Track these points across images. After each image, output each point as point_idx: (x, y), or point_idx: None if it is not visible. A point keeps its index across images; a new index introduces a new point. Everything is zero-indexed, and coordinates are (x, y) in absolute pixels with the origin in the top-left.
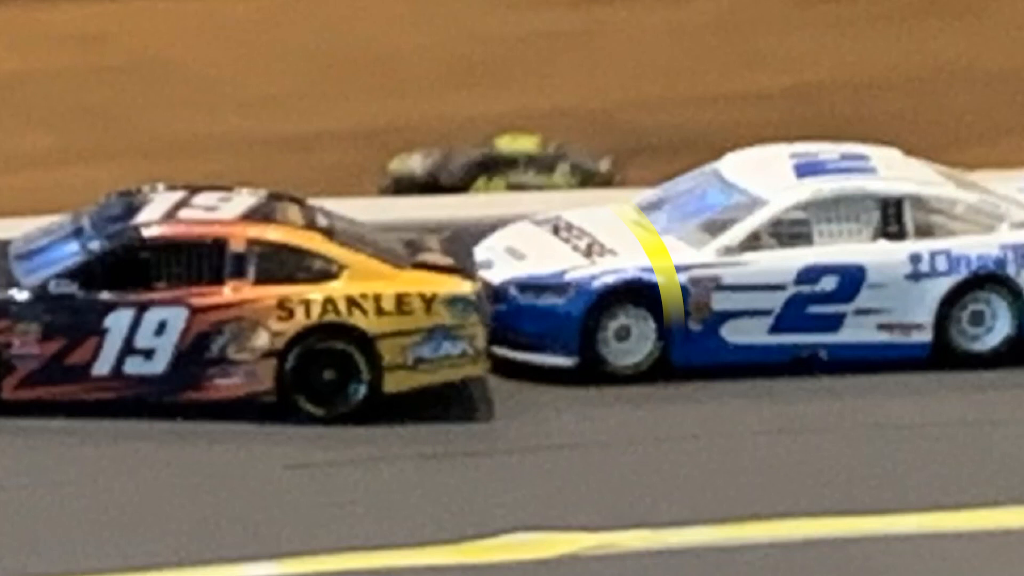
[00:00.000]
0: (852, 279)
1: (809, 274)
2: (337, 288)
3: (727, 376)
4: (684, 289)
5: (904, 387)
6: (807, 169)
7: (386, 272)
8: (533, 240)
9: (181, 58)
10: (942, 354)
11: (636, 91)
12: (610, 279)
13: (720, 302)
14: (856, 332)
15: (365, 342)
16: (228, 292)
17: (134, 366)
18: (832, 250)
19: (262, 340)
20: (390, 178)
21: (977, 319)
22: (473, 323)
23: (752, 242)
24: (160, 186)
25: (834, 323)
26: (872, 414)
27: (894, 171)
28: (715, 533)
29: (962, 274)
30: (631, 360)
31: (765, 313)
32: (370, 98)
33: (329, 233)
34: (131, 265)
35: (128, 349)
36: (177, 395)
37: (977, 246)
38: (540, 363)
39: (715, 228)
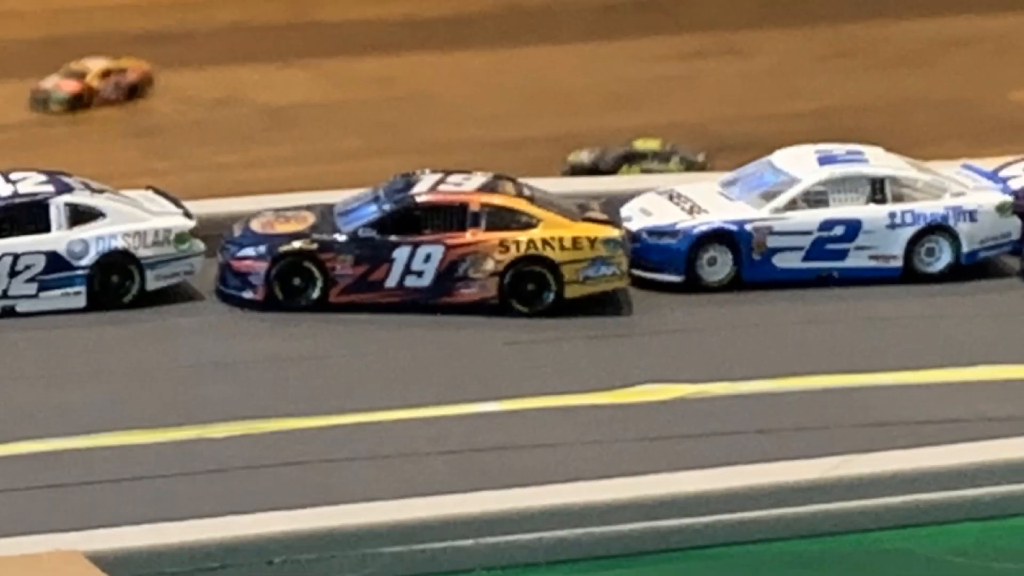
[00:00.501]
0: (853, 227)
1: (826, 224)
2: (536, 233)
3: (776, 288)
4: (749, 234)
5: (885, 294)
6: (825, 160)
7: (566, 223)
8: (656, 204)
9: (440, 91)
10: (908, 274)
11: (720, 112)
12: (704, 228)
13: (771, 242)
14: (856, 260)
15: (553, 267)
16: (469, 236)
17: (411, 281)
18: (841, 210)
19: (490, 265)
20: (568, 166)
21: (930, 252)
22: (620, 255)
23: (791, 205)
24: (427, 170)
25: (842, 255)
26: (865, 311)
27: (879, 161)
28: (769, 384)
29: (920, 225)
30: (717, 278)
31: (799, 249)
32: (556, 117)
33: (531, 199)
34: (409, 219)
35: (407, 271)
36: (437, 300)
37: (930, 207)
38: (660, 280)
39: (768, 196)
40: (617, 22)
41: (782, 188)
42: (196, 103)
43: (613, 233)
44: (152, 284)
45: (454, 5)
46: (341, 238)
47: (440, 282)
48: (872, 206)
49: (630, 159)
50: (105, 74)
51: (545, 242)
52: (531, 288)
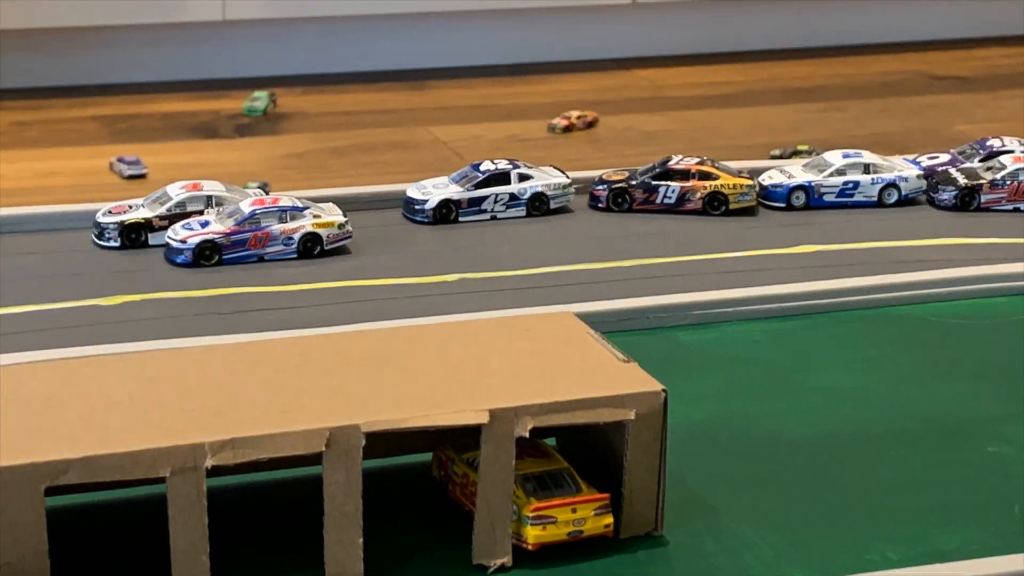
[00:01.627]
0: (855, 185)
1: (846, 183)
2: (718, 182)
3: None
4: (813, 187)
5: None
6: (846, 155)
7: (729, 178)
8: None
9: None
10: (879, 205)
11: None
12: (792, 182)
13: (822, 191)
14: (856, 199)
15: (725, 196)
16: (691, 183)
17: (665, 201)
18: (848, 177)
19: (699, 195)
20: (769, 156)
21: (889, 195)
22: (753, 192)
23: (829, 176)
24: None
25: (851, 195)
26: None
27: (864, 156)
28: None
29: (884, 183)
30: (799, 204)
31: (833, 192)
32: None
33: (713, 166)
34: (665, 175)
35: (664, 196)
36: (675, 210)
37: (887, 176)
38: (775, 206)
39: (819, 170)
40: None
41: (824, 167)
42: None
43: (751, 182)
44: (552, 206)
45: None
46: (636, 182)
47: (678, 202)
48: (865, 175)
49: (796, 154)
50: (579, 116)
51: (723, 186)
52: (716, 204)
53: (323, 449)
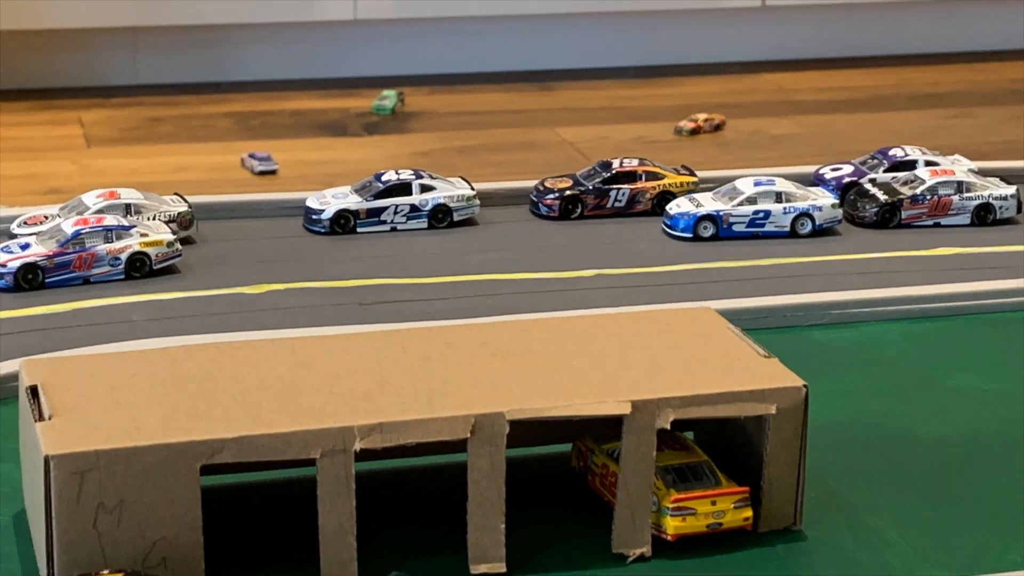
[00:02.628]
0: (766, 214)
1: (756, 212)
2: (666, 181)
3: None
4: (721, 217)
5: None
6: (757, 183)
7: (673, 176)
8: (683, 201)
9: None
10: (792, 235)
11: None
12: (700, 211)
13: (731, 220)
14: (768, 228)
15: (672, 194)
16: (639, 184)
17: (616, 205)
18: (760, 206)
19: (648, 196)
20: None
21: (803, 225)
22: (698, 188)
23: (739, 204)
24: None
25: (762, 225)
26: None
27: (776, 184)
28: None
29: (797, 212)
30: (707, 235)
31: (743, 222)
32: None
33: (656, 167)
34: (614, 179)
35: (615, 200)
36: (626, 212)
37: (801, 205)
38: (681, 236)
39: (732, 198)
40: None
41: (734, 195)
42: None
43: (695, 179)
44: (456, 218)
45: None
46: (586, 187)
47: (628, 204)
48: (776, 204)
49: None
50: (706, 119)
51: (669, 185)
52: (664, 204)
53: (468, 435)
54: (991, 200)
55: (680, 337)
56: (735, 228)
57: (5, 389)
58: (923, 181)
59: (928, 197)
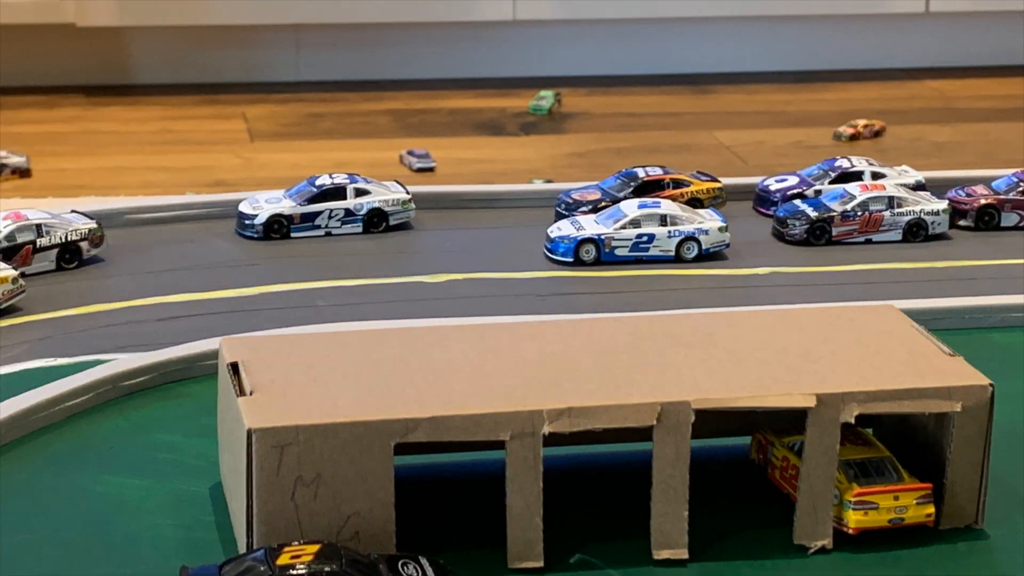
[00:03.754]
0: (650, 238)
1: (639, 235)
2: (692, 188)
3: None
4: (603, 240)
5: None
6: (642, 205)
7: (699, 183)
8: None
9: None
10: (677, 260)
11: None
12: (581, 234)
13: (614, 244)
14: (652, 252)
15: (700, 202)
16: (667, 193)
17: None
18: (643, 229)
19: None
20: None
21: (688, 250)
22: (723, 194)
23: (622, 228)
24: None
25: (646, 249)
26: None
27: (661, 207)
28: None
29: (682, 236)
30: (590, 259)
31: (626, 246)
32: None
33: (681, 175)
34: (643, 188)
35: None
36: None
37: (686, 228)
38: (562, 260)
39: (615, 221)
40: None
41: (620, 218)
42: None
43: (719, 184)
44: (392, 223)
45: None
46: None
47: None
48: (660, 227)
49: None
50: (866, 125)
51: (696, 191)
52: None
53: (654, 423)
54: (923, 215)
55: (864, 333)
56: (617, 252)
57: (197, 367)
58: (853, 197)
59: (859, 213)
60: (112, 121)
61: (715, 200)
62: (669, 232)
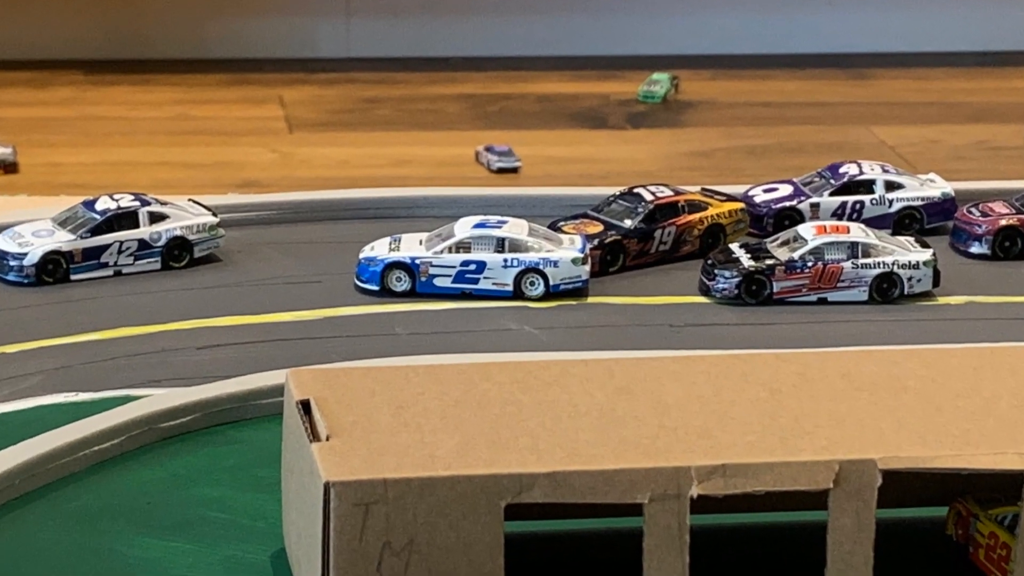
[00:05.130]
0: (480, 267)
1: (465, 263)
2: (712, 211)
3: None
4: (418, 266)
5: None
6: (478, 225)
7: (718, 204)
8: (380, 244)
9: None
10: (517, 296)
11: None
12: (392, 258)
13: (432, 271)
14: (483, 285)
15: (723, 228)
16: (683, 219)
17: (662, 248)
18: (473, 256)
19: (695, 232)
20: None
21: (531, 284)
22: (746, 217)
23: (444, 252)
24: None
25: (475, 281)
26: None
27: (506, 228)
28: None
29: (523, 267)
30: (401, 289)
31: (449, 275)
32: None
33: (699, 194)
34: (654, 214)
35: (660, 243)
36: (672, 256)
37: (530, 257)
38: (367, 288)
39: (435, 243)
40: None
41: (445, 239)
42: None
43: (741, 206)
44: (197, 254)
45: None
46: (628, 227)
47: (674, 245)
48: (495, 254)
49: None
50: None
51: (718, 216)
52: (712, 239)
53: (830, 486)
54: (896, 269)
55: None
56: (437, 283)
57: (252, 407)
58: (804, 241)
59: (809, 263)
60: (117, 105)
61: (738, 226)
62: (505, 261)
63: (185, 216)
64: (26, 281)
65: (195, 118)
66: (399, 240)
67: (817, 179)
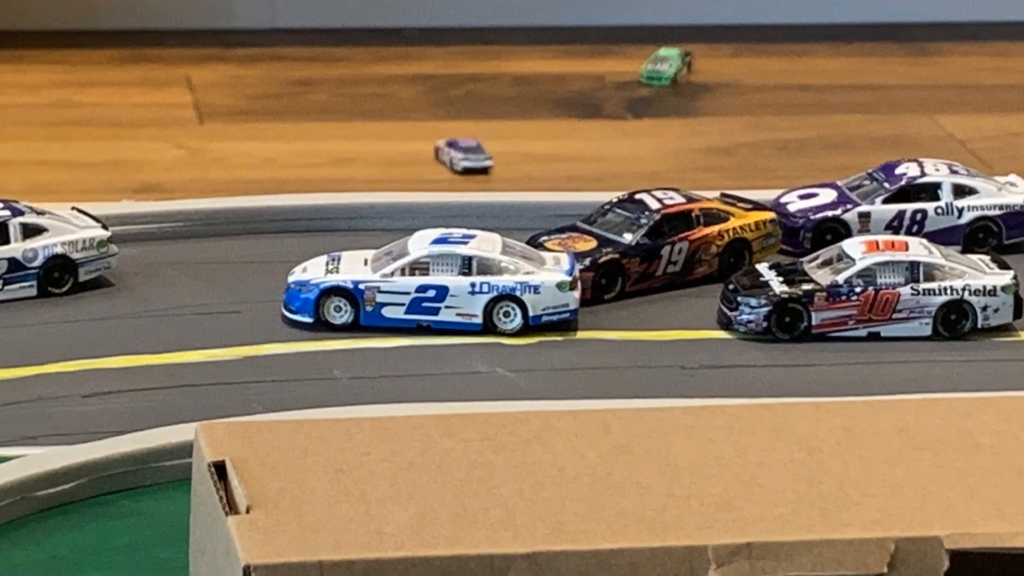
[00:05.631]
0: (441, 293)
1: (422, 288)
2: (735, 223)
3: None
4: (362, 291)
5: None
6: (438, 240)
7: (743, 213)
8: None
9: None
10: (488, 330)
11: None
12: (329, 281)
13: (380, 298)
14: (445, 316)
15: (748, 244)
16: (698, 233)
17: (671, 269)
18: (433, 279)
19: (713, 249)
20: None
21: (506, 315)
22: (777, 231)
23: (395, 274)
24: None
25: (435, 311)
26: None
27: (473, 243)
28: None
29: (495, 293)
30: (340, 321)
31: (402, 305)
32: None
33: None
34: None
35: (668, 263)
36: (683, 279)
37: (504, 280)
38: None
39: (383, 264)
40: None
41: (397, 258)
42: None
43: (772, 215)
44: (83, 277)
45: None
46: (627, 244)
47: (684, 267)
48: (460, 277)
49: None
50: None
51: (742, 228)
52: (735, 257)
53: (884, 570)
54: (966, 296)
55: None
56: (387, 313)
57: (152, 471)
58: (852, 260)
59: (859, 288)
60: None
61: (767, 241)
62: (473, 286)
63: (68, 229)
64: None
65: (81, 105)
66: (338, 259)
67: (867, 182)
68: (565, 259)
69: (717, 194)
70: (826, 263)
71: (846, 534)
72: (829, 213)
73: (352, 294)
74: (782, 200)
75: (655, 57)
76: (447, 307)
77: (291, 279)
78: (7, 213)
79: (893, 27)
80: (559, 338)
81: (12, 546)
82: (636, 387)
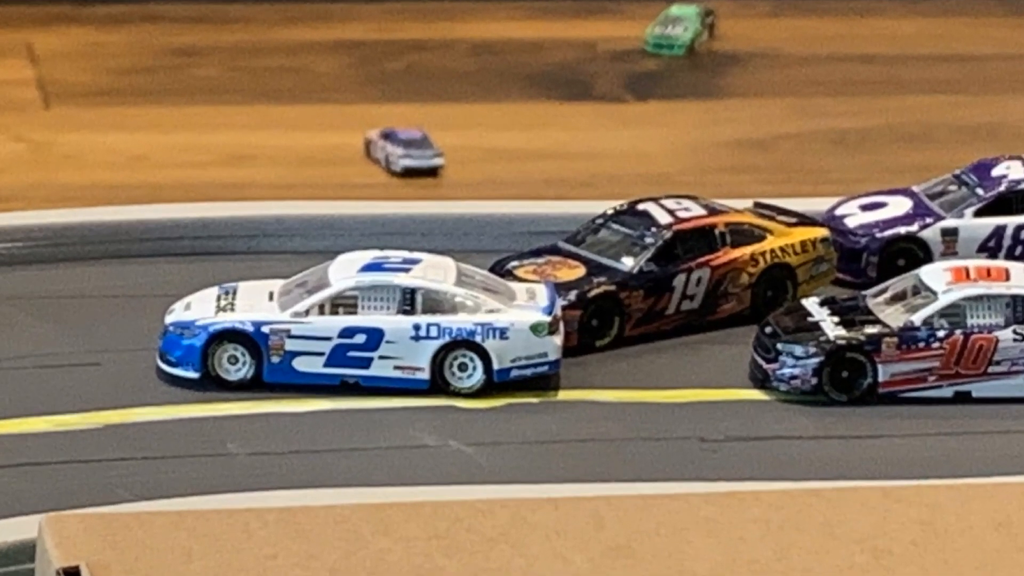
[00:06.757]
0: (376, 336)
1: (348, 332)
2: (774, 243)
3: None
4: (266, 335)
5: None
6: (370, 267)
7: (786, 231)
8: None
9: None
10: (439, 387)
11: None
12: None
13: (290, 345)
14: (380, 370)
15: (791, 271)
16: (724, 256)
17: (686, 306)
18: (365, 318)
19: (744, 279)
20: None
21: (463, 368)
22: (831, 252)
23: (315, 310)
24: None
25: (366, 363)
26: None
27: (417, 272)
28: None
29: (446, 339)
30: (236, 376)
31: (320, 354)
32: None
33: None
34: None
35: (683, 297)
36: (703, 319)
37: (458, 321)
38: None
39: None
40: None
41: (313, 291)
42: None
43: (824, 232)
44: None
45: None
46: (629, 272)
47: (707, 301)
48: (399, 316)
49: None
50: None
51: (783, 250)
52: (774, 290)
53: None
54: None
55: None
56: (299, 365)
57: None
58: (932, 295)
59: (940, 333)
60: None
61: (818, 267)
62: (417, 328)
63: None
64: None
65: None
66: (234, 293)
67: (954, 187)
68: (542, 292)
69: (749, 204)
70: (898, 297)
71: None
72: (902, 230)
73: (253, 340)
74: (838, 212)
75: (665, 17)
76: (382, 357)
77: (169, 320)
78: None
79: None
80: (534, 400)
81: None
82: (639, 466)
